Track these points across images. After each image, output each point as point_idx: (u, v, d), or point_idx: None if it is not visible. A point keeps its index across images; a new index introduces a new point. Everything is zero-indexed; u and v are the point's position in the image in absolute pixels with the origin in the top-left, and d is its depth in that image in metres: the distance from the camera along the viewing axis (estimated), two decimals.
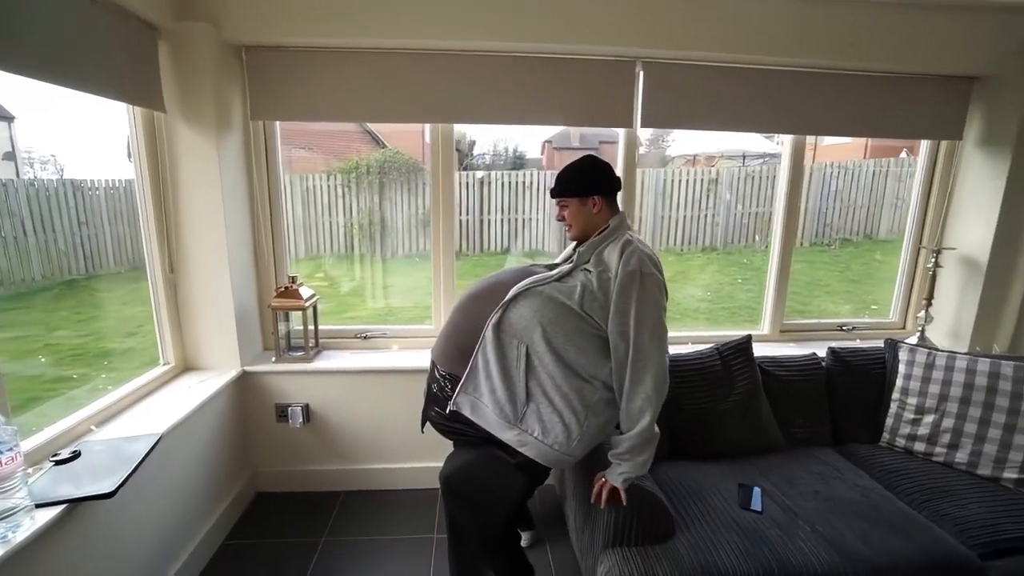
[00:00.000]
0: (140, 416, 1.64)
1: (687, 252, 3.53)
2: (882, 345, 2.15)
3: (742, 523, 1.49)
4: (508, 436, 1.32)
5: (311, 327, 2.18)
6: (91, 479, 1.25)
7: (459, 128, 2.29)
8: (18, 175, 1.91)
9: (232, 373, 1.98)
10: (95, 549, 1.30)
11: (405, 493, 2.18)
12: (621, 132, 2.23)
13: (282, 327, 2.16)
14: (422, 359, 2.16)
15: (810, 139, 2.45)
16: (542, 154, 4.13)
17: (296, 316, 2.23)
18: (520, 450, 1.33)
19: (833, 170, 3.51)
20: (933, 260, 2.37)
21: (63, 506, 1.16)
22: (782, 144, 2.39)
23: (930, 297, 2.41)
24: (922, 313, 2.43)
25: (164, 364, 1.94)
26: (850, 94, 2.18)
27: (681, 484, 1.68)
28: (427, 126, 2.22)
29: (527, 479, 1.42)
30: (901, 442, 1.95)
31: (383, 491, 2.19)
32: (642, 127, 2.14)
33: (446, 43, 1.93)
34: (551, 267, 1.51)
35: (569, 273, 1.39)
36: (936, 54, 2.10)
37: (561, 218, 1.51)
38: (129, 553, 1.44)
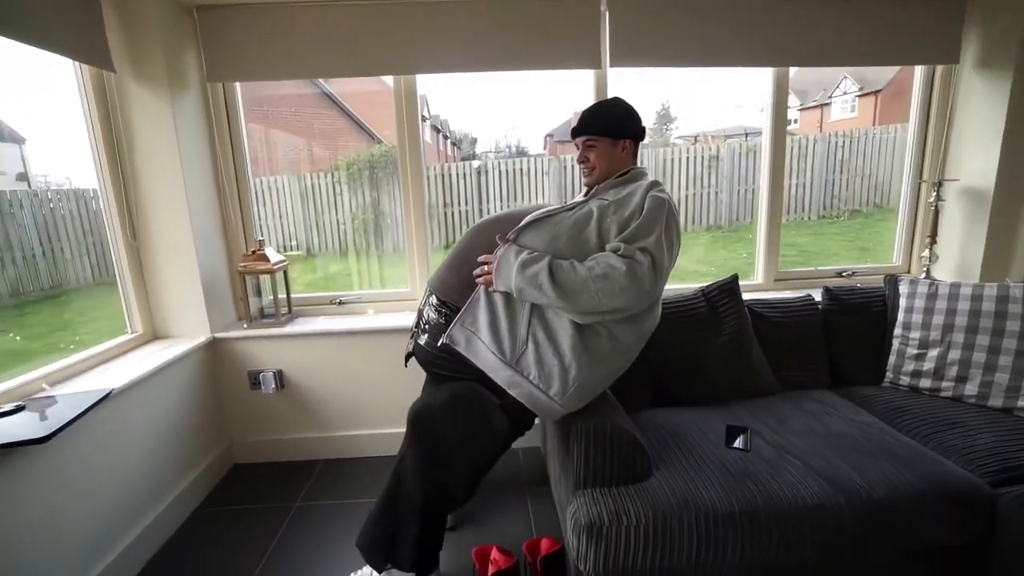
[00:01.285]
0: (98, 378, 1.59)
1: (692, 231, 3.41)
2: (882, 283, 2.02)
3: (726, 461, 1.38)
4: (501, 376, 1.24)
5: (282, 294, 2.13)
6: (30, 429, 1.20)
7: (459, 127, 2.23)
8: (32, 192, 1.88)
9: (201, 339, 1.94)
10: (40, 497, 1.26)
11: (385, 460, 2.10)
12: (591, 74, 2.13)
13: (254, 301, 2.11)
14: (399, 320, 2.10)
15: (815, 112, 2.33)
16: (544, 148, 4.09)
17: (267, 287, 2.18)
18: (510, 391, 1.23)
19: (839, 139, 3.37)
20: (934, 194, 2.23)
21: None
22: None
23: (934, 235, 2.26)
24: (926, 252, 2.28)
25: (131, 333, 1.90)
26: (833, 21, 2.05)
27: (662, 427, 1.58)
28: (427, 125, 2.18)
29: (509, 424, 1.32)
30: (905, 380, 1.81)
31: (362, 458, 2.12)
32: (611, 67, 2.05)
33: None
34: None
35: (581, 204, 1.33)
36: None
37: (584, 159, 1.43)
38: (85, 505, 1.40)
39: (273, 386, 2.04)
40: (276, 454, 2.14)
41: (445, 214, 2.77)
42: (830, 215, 3.55)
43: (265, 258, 2.01)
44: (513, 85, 2.53)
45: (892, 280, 1.96)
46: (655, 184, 1.33)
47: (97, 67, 1.69)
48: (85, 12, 1.63)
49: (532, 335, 1.23)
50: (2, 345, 1.74)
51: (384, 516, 1.34)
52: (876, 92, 4.49)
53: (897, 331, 1.86)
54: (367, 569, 1.35)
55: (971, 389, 1.67)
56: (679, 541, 1.17)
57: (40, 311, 1.88)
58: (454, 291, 1.36)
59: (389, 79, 2.12)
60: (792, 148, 3.21)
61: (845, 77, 4.55)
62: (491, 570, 1.21)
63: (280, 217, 2.62)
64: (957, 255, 2.26)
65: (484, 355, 1.25)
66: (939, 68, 2.25)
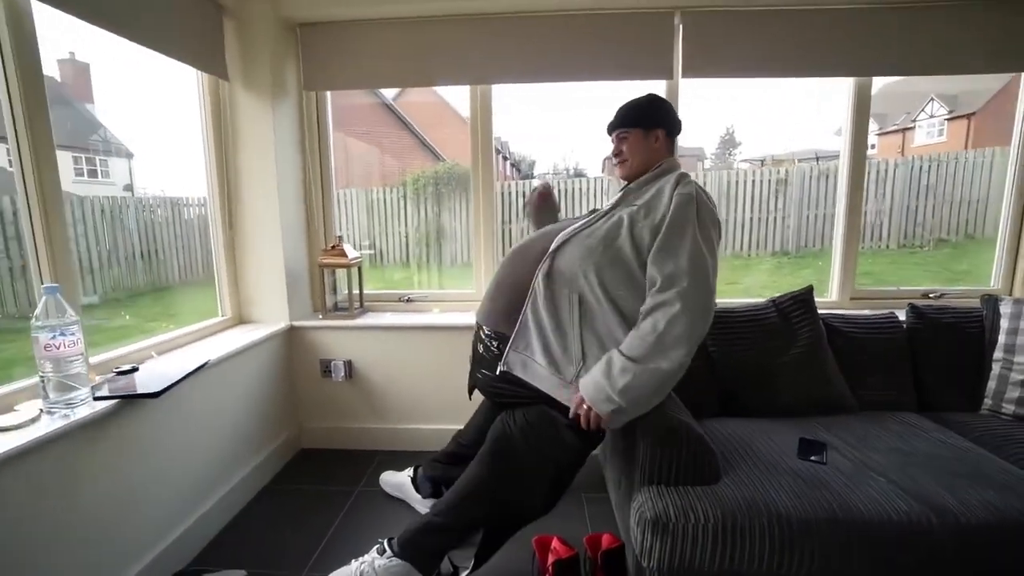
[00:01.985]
0: (195, 352, 1.75)
1: (755, 256, 3.29)
2: (977, 304, 1.87)
3: (798, 470, 1.32)
4: (562, 395, 1.25)
5: (355, 289, 2.26)
6: (143, 386, 1.34)
7: (519, 149, 2.31)
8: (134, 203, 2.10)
9: (281, 325, 2.09)
10: (146, 446, 1.40)
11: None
12: (661, 89, 2.16)
13: (329, 298, 2.26)
14: (464, 318, 2.17)
15: (895, 137, 2.25)
16: (603, 171, 4.13)
17: (343, 282, 2.33)
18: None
19: (923, 163, 3.18)
20: None
21: (116, 400, 1.25)
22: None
23: None
24: None
25: (222, 316, 2.08)
26: (914, 28, 1.98)
27: (730, 434, 1.52)
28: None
29: (580, 441, 1.31)
30: (1009, 408, 1.66)
31: (419, 452, 2.17)
32: (684, 78, 2.07)
33: (481, 4, 1.99)
34: (594, 211, 1.45)
35: (612, 210, 1.34)
36: None
37: (618, 152, 1.45)
38: (180, 462, 1.53)
39: (342, 374, 2.15)
40: (340, 442, 2.24)
41: (503, 231, 2.83)
42: (911, 244, 3.31)
43: (343, 253, 2.15)
44: (572, 110, 2.64)
45: (991, 300, 1.81)
46: (682, 178, 1.30)
47: (215, 75, 1.91)
48: (210, 29, 1.86)
49: (585, 351, 1.23)
50: (117, 322, 1.96)
51: (445, 531, 1.34)
52: (969, 115, 4.17)
53: (997, 354, 1.71)
54: (370, 555, 1.37)
55: None
56: (751, 544, 1.12)
57: (138, 304, 2.09)
58: (501, 319, 1.36)
59: (452, 100, 2.22)
60: (868, 173, 3.06)
61: (932, 99, 4.28)
62: (551, 559, 1.20)
63: (346, 229, 2.78)
64: None
65: (543, 376, 1.26)
66: None
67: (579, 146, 3.14)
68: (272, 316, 2.13)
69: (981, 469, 1.32)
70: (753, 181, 3.06)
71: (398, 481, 1.87)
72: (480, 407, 1.78)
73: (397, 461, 2.12)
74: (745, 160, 3.72)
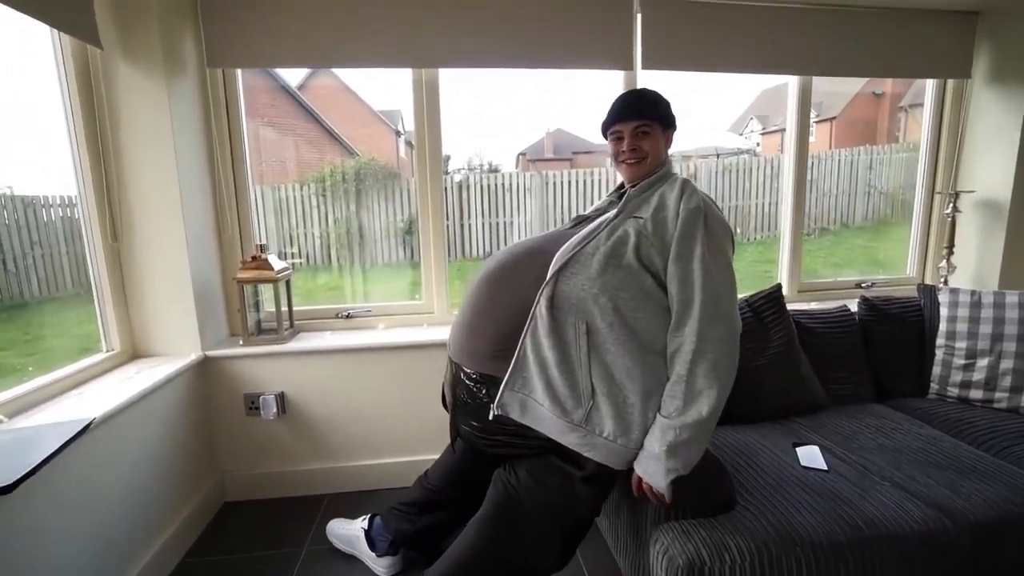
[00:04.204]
0: (70, 404, 1.33)
1: None
2: (915, 294, 1.99)
3: (807, 482, 1.27)
4: (570, 439, 1.05)
5: (284, 306, 1.90)
6: None
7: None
8: None
9: (191, 357, 1.68)
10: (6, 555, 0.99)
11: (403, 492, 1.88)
12: (620, 75, 2.05)
13: (251, 316, 1.87)
14: (418, 335, 1.91)
15: (775, 137, 2.36)
16: (517, 167, 4.00)
17: (267, 298, 1.95)
18: (586, 454, 1.06)
19: (809, 161, 3.45)
20: (951, 205, 2.25)
21: None
22: (755, 133, 2.30)
23: (951, 245, 2.27)
24: (943, 263, 2.29)
25: (108, 351, 1.63)
26: (854, 32, 2.06)
27: (725, 446, 1.45)
28: (401, 140, 2.07)
29: (598, 491, 1.14)
30: (953, 391, 1.76)
31: (376, 491, 1.89)
32: (643, 69, 1.97)
33: None
34: (581, 220, 1.27)
35: (614, 220, 1.15)
36: None
37: (635, 148, 1.22)
38: (57, 556, 1.12)
39: (274, 410, 1.79)
40: (274, 489, 1.87)
41: (448, 227, 2.61)
42: (801, 232, 3.63)
43: (268, 265, 1.78)
44: (487, 105, 2.57)
45: (928, 290, 1.93)
46: (686, 186, 1.15)
47: (81, 39, 1.45)
48: None
49: (595, 387, 1.06)
50: None
51: None
52: (831, 119, 4.68)
53: (940, 341, 1.82)
54: None
55: None
56: None
57: None
58: (487, 358, 1.14)
59: (361, 90, 2.02)
60: (764, 168, 3.27)
61: None
62: None
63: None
64: (973, 266, 2.28)
65: (547, 419, 1.07)
66: (951, 82, 2.29)
67: (491, 142, 3.00)
68: (179, 346, 1.72)
69: (962, 460, 1.36)
70: None
71: (348, 534, 1.58)
72: (452, 445, 1.53)
73: (348, 505, 1.82)
74: None
